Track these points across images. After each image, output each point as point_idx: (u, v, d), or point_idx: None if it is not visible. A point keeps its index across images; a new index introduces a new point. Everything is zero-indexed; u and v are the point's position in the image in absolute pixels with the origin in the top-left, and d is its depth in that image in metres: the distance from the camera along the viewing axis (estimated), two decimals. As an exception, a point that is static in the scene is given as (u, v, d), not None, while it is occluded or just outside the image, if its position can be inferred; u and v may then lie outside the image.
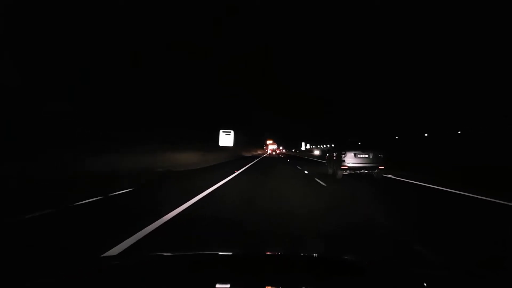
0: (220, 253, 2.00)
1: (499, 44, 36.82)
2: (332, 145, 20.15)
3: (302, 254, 2.33)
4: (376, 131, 70.14)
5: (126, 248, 3.15)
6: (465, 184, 9.10)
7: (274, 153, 68.48)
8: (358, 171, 11.48)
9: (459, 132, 45.90)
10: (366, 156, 11.34)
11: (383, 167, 11.36)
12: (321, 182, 10.43)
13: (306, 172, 15.65)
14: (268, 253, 2.13)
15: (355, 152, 11.41)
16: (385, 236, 4.04)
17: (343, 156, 11.44)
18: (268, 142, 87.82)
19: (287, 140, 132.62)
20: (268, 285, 1.27)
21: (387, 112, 65.52)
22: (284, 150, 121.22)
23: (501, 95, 37.41)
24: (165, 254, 1.75)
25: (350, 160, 11.36)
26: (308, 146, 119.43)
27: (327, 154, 15.33)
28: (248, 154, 50.06)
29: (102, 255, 2.68)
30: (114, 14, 13.93)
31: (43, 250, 3.13)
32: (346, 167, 11.38)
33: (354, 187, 9.58)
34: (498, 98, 36.75)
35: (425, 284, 1.26)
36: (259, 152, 76.11)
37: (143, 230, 3.78)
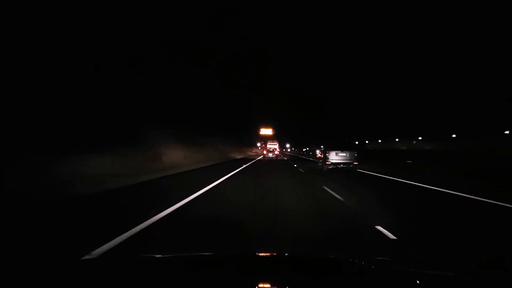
0: (214, 254, 2.02)
1: (498, 44, 38.56)
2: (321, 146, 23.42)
3: (300, 254, 2.30)
4: (370, 133, 72.97)
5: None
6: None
7: (271, 154, 38.95)
8: (338, 166, 14.97)
9: (454, 136, 48.16)
10: (344, 154, 15.03)
11: (356, 163, 15.02)
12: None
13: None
14: (264, 254, 2.07)
15: (336, 152, 15.05)
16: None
17: (327, 154, 15.18)
18: (263, 131, 53.69)
19: (287, 139, 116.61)
20: (265, 286, 1.25)
21: (386, 112, 68.22)
22: (289, 150, 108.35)
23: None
24: (156, 255, 1.66)
25: (333, 157, 15.04)
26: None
27: (317, 154, 19.42)
28: (240, 156, 43.45)
29: (82, 258, 2.49)
30: (114, 14, 14.12)
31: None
32: (330, 163, 15.11)
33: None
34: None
35: (425, 284, 1.28)
36: (256, 151, 66.09)
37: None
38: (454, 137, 48.74)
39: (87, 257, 2.69)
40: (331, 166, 15.03)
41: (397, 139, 66.26)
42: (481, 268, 2.15)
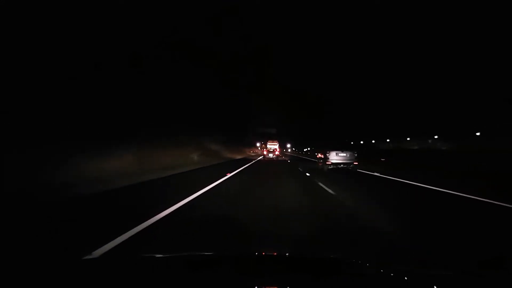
0: (215, 254, 2.02)
1: (499, 44, 38.21)
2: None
3: (299, 254, 2.25)
4: (370, 133, 72.30)
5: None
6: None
7: (271, 155, 37.52)
8: (339, 166, 15.15)
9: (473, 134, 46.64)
10: (345, 155, 15.19)
11: (357, 163, 15.18)
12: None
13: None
14: (264, 253, 2.05)
15: (337, 152, 15.21)
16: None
17: (328, 155, 15.33)
18: (263, 131, 52.27)
19: (288, 139, 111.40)
20: (265, 286, 1.25)
21: (386, 112, 67.64)
22: (290, 150, 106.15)
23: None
24: (157, 255, 1.65)
25: (333, 157, 15.21)
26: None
27: (319, 154, 19.30)
28: (240, 156, 42.16)
29: (84, 258, 2.45)
30: (114, 13, 14.02)
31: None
32: (330, 163, 15.27)
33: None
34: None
35: (423, 284, 1.28)
36: (256, 151, 64.29)
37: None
38: (478, 135, 46.99)
39: (88, 257, 2.67)
40: (331, 166, 15.26)
41: (408, 138, 65.02)
42: (481, 268, 2.16)
